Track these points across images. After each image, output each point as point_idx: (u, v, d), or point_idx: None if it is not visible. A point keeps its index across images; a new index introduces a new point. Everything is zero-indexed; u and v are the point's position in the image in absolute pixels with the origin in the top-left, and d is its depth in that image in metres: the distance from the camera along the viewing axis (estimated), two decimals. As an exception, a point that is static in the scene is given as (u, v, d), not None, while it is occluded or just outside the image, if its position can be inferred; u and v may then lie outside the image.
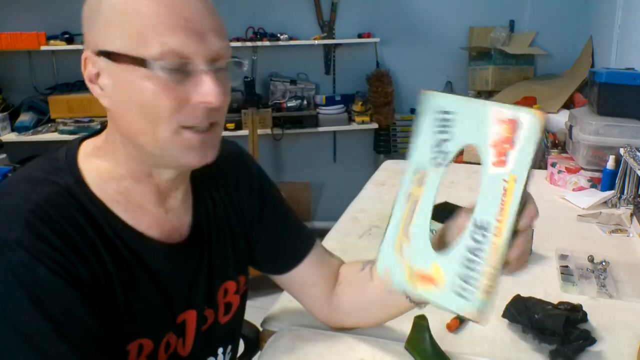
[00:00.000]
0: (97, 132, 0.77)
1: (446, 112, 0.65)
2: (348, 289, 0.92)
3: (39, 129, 3.01)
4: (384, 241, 0.69)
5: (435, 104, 0.66)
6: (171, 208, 0.78)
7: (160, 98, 0.64)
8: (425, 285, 0.64)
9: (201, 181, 0.83)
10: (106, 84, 0.68)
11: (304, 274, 0.92)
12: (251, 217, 0.89)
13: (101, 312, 0.67)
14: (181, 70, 0.65)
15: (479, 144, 0.62)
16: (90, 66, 0.68)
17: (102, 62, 0.66)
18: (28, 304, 0.61)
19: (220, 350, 0.87)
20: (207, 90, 0.65)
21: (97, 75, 0.68)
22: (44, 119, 3.06)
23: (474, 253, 0.62)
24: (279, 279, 0.94)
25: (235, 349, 0.93)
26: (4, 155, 2.73)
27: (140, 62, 0.63)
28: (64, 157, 0.72)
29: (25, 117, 3.03)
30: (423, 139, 0.67)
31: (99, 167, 0.72)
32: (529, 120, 0.59)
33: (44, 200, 0.65)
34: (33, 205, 0.64)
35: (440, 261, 0.64)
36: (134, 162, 0.72)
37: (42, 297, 0.62)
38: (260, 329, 1.04)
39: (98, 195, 0.71)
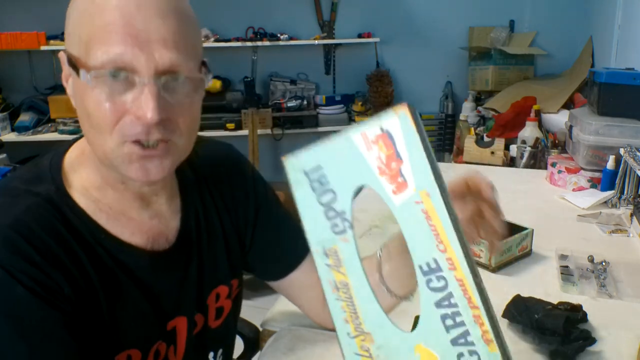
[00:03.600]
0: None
1: (314, 170, 0.54)
2: None
3: (39, 129, 3.02)
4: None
5: (299, 166, 0.55)
6: (156, 213, 0.75)
7: (101, 108, 0.61)
8: None
9: (190, 184, 0.81)
10: (72, 86, 0.67)
11: (299, 279, 0.90)
12: (245, 220, 0.87)
13: (85, 327, 0.65)
14: (125, 81, 0.61)
15: (367, 181, 0.51)
16: (64, 67, 0.67)
17: (69, 64, 0.65)
18: (3, 325, 0.59)
19: (211, 354, 0.85)
20: (142, 104, 0.61)
21: (68, 75, 0.67)
22: (44, 119, 3.06)
23: (446, 304, 0.49)
24: (274, 284, 0.92)
25: (227, 352, 0.91)
26: (4, 155, 2.73)
27: (77, 70, 0.62)
28: (49, 164, 0.70)
29: (25, 117, 3.03)
30: (309, 214, 0.54)
31: (81, 174, 0.71)
32: (398, 122, 0.49)
33: (24, 213, 0.63)
34: (12, 219, 0.62)
35: (422, 339, 0.50)
36: (105, 170, 0.70)
37: (18, 319, 0.59)
38: (260, 329, 1.04)
39: (80, 204, 0.68)
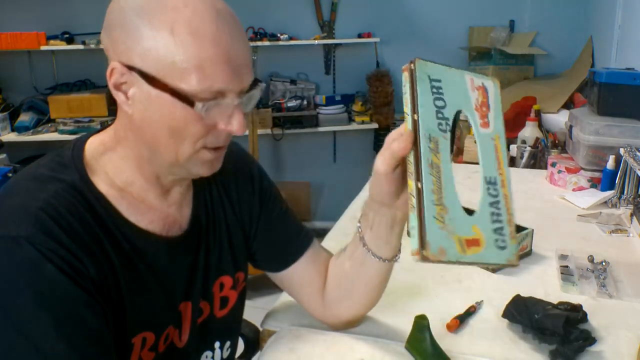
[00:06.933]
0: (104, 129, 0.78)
1: (436, 80, 0.69)
2: (332, 277, 0.93)
3: (39, 129, 3.02)
4: (427, 220, 0.64)
5: (426, 70, 0.69)
6: (173, 202, 0.80)
7: (191, 125, 0.67)
8: (472, 249, 0.67)
9: (201, 177, 0.84)
10: (135, 96, 0.67)
11: (301, 271, 0.93)
12: (250, 214, 0.91)
13: (107, 308, 0.68)
14: (216, 100, 0.67)
15: (466, 109, 0.71)
16: (118, 76, 0.67)
17: (134, 77, 0.66)
18: (31, 301, 0.61)
19: (217, 344, 0.88)
20: (235, 122, 0.69)
21: (124, 83, 0.67)
22: (44, 119, 3.06)
23: (495, 206, 0.70)
24: (277, 276, 0.95)
25: (234, 346, 0.94)
26: (4, 155, 2.73)
27: (183, 97, 0.65)
28: (70, 153, 0.73)
29: (25, 117, 3.03)
30: (426, 106, 0.68)
31: (105, 163, 0.74)
32: (492, 86, 0.74)
33: (53, 198, 0.66)
34: (42, 202, 0.65)
35: (477, 223, 0.68)
36: (144, 163, 0.74)
37: (46, 294, 0.62)
38: (260, 329, 1.04)
39: (102, 191, 0.72)
